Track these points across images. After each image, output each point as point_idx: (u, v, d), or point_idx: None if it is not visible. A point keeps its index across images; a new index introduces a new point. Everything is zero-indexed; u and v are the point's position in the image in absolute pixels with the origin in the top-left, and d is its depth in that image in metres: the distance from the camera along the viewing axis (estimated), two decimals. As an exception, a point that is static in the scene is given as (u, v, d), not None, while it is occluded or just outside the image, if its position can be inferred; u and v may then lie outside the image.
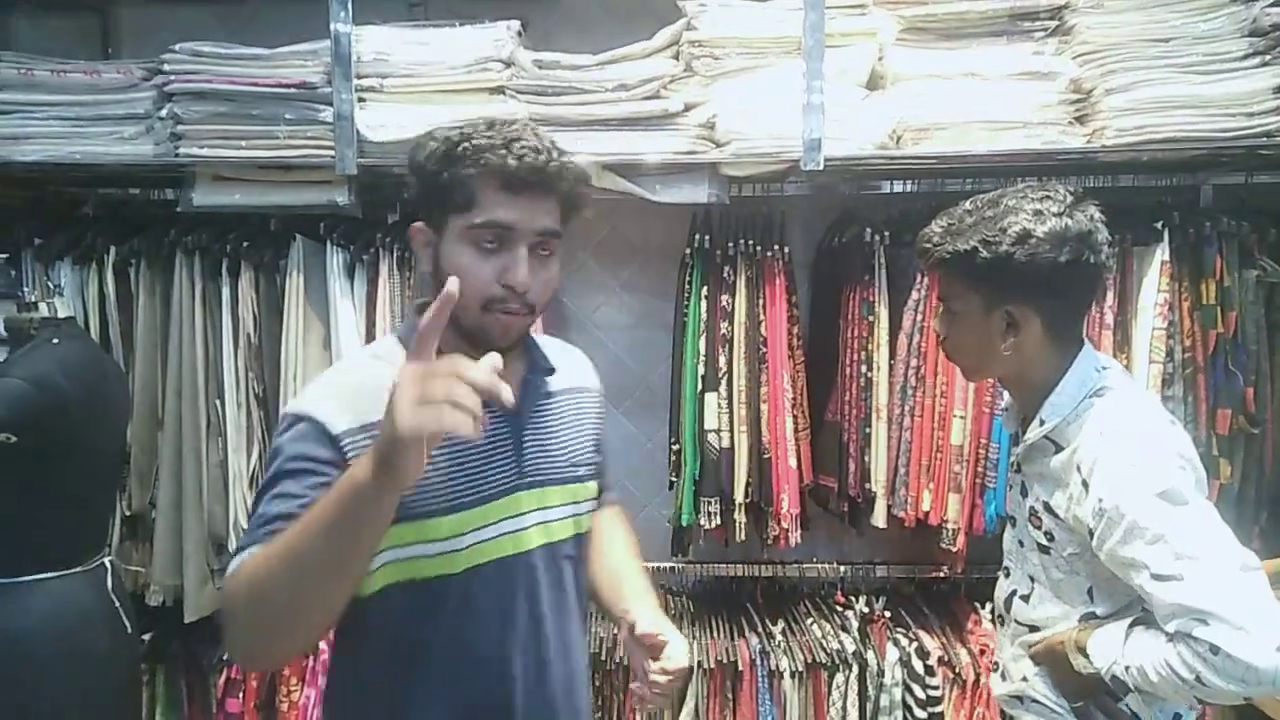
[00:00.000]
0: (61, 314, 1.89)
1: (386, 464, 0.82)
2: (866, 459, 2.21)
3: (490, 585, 1.11)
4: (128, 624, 1.87)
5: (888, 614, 2.34)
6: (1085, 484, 1.21)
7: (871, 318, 2.17)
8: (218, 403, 2.13)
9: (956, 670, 2.17)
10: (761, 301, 2.18)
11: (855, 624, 2.31)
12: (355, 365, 1.19)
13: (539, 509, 1.16)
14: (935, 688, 2.15)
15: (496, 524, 1.11)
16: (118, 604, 1.85)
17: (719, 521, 2.23)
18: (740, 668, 2.23)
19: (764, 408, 2.18)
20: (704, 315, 2.20)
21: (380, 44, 2.00)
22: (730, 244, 2.18)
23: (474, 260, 1.07)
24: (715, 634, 2.32)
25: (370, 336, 2.09)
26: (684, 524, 2.25)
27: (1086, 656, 1.23)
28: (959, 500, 2.13)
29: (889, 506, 2.21)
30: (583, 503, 1.22)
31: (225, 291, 2.12)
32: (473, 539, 1.09)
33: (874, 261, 2.16)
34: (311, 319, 2.13)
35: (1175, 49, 1.91)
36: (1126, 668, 1.18)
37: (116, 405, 1.94)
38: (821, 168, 1.95)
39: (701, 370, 2.19)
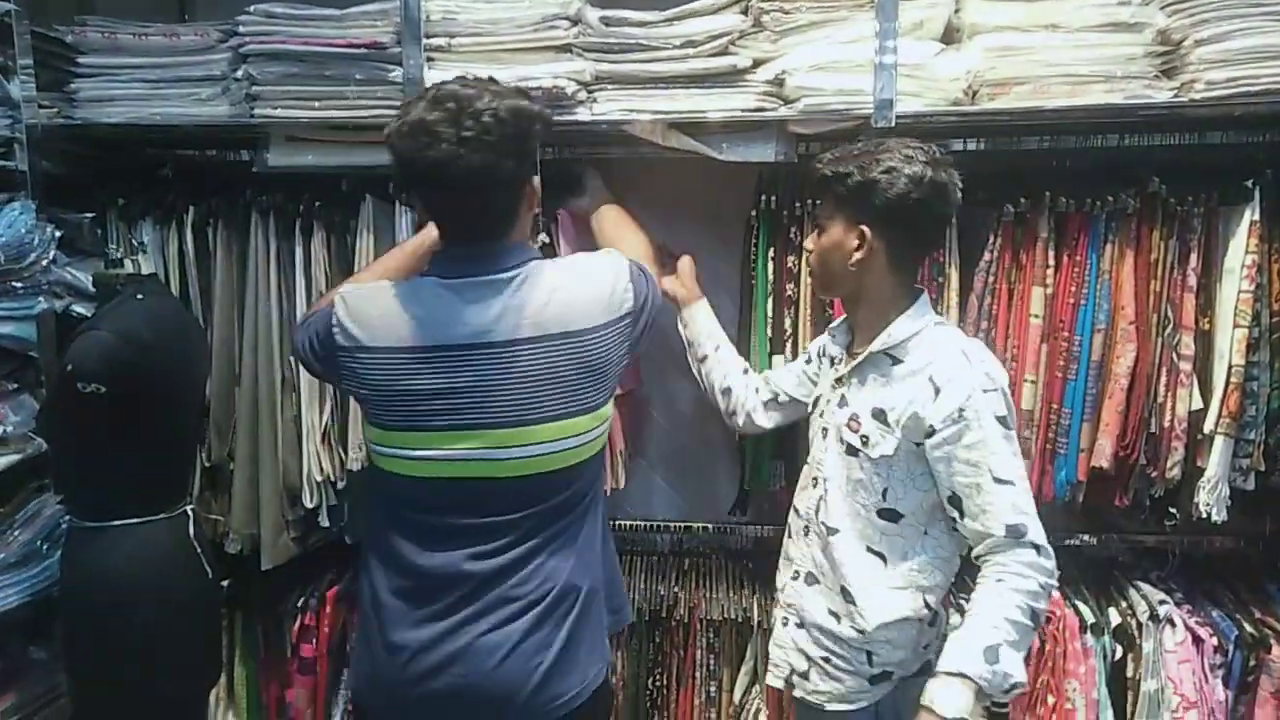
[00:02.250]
0: (145, 271, 1.96)
1: None
2: (933, 423, 2.18)
3: None
4: (208, 569, 1.95)
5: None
6: (937, 390, 1.46)
7: (941, 279, 2.12)
8: (292, 360, 2.18)
9: (1022, 637, 2.14)
10: (828, 262, 2.15)
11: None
12: None
13: None
14: (999, 654, 2.12)
15: None
16: (199, 550, 1.93)
17: (784, 483, 2.23)
18: (801, 629, 2.23)
19: (829, 370, 2.16)
20: (770, 277, 2.18)
21: (448, 3, 2.00)
22: (797, 204, 2.15)
23: None
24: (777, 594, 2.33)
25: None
26: (750, 486, 2.26)
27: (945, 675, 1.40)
28: (1028, 466, 2.08)
29: (955, 471, 2.18)
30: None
31: (299, 251, 2.16)
32: None
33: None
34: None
35: (1274, -4, 1.81)
36: (987, 632, 1.39)
37: (197, 359, 2.01)
38: (893, 125, 1.90)
39: (769, 333, 2.17)
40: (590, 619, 1.49)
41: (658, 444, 2.62)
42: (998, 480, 1.44)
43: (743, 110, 1.97)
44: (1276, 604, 2.21)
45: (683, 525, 2.52)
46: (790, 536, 1.75)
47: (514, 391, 1.37)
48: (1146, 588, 2.25)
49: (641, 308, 1.49)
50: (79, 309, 2.08)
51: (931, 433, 1.46)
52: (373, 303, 1.43)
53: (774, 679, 1.72)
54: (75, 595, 1.85)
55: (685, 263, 2.07)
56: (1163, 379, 2.05)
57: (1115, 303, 2.05)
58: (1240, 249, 1.98)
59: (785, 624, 1.70)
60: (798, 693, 1.66)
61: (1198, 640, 2.12)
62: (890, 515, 1.54)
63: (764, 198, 2.17)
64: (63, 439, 1.86)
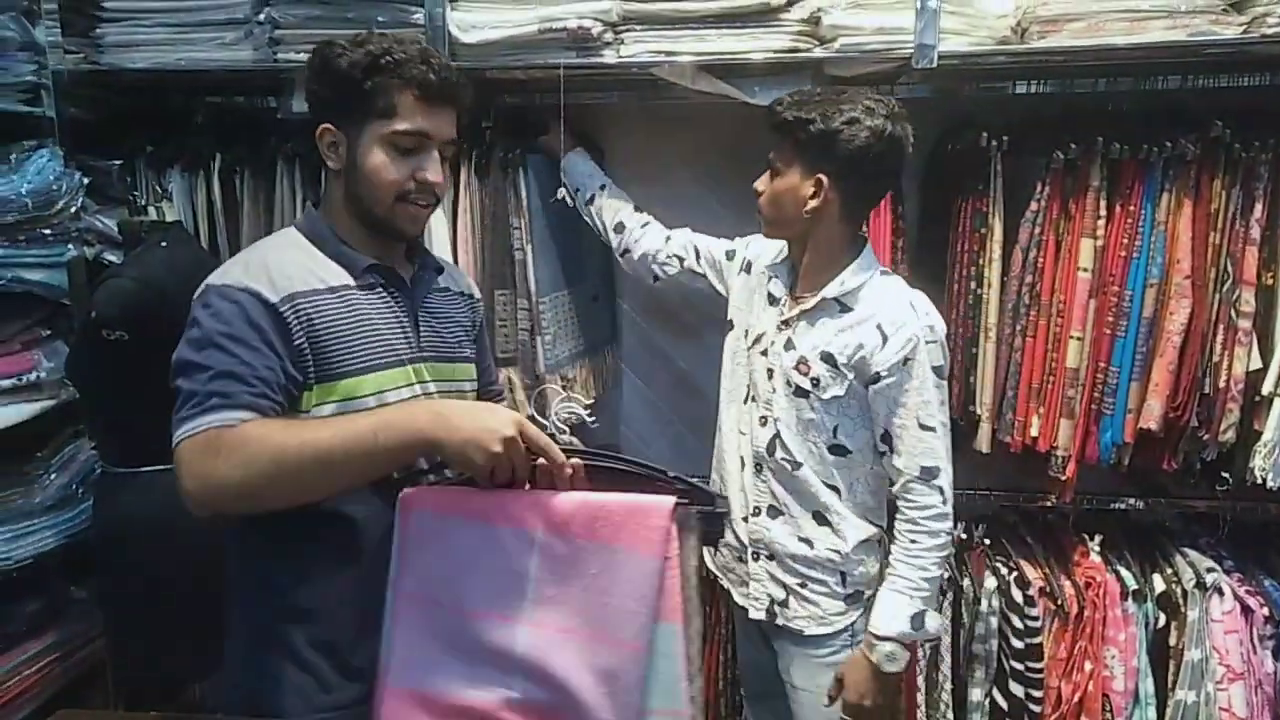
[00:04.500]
0: (169, 218, 1.95)
1: (439, 448, 1.13)
2: (972, 380, 2.10)
3: None
4: (237, 517, 1.97)
5: (987, 541, 2.26)
6: (885, 338, 1.55)
7: (984, 230, 2.03)
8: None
9: (1059, 602, 2.08)
10: (865, 212, 2.06)
11: (952, 550, 2.23)
12: (266, 246, 1.35)
13: (433, 380, 1.36)
14: (1035, 618, 2.06)
15: (398, 389, 1.29)
16: (224, 498, 1.94)
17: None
18: (830, 588, 2.19)
19: (863, 324, 2.09)
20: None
21: (472, -59, 1.93)
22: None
23: (391, 160, 1.27)
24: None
25: (457, 244, 2.10)
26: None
27: (879, 639, 1.59)
28: (1071, 426, 2.01)
29: (994, 431, 2.10)
30: (465, 381, 1.46)
31: (324, 199, 2.14)
32: (379, 400, 1.26)
33: (990, 169, 2.01)
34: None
35: (1359, -80, 1.66)
36: (912, 598, 1.57)
37: (222, 308, 2.01)
38: (935, 66, 1.80)
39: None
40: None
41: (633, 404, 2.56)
42: (923, 426, 1.55)
43: (776, 51, 1.88)
44: (1334, 574, 2.11)
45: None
46: (729, 473, 1.78)
47: None
48: (1194, 554, 2.16)
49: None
50: (110, 256, 2.08)
51: (877, 378, 1.56)
52: None
53: (755, 613, 1.76)
54: (107, 540, 1.88)
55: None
56: (1219, 337, 1.95)
57: (1170, 256, 1.94)
58: (1310, 199, 1.85)
59: (756, 558, 1.75)
60: (779, 621, 1.73)
61: (1247, 610, 2.03)
62: (840, 450, 1.64)
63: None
64: (91, 385, 1.87)
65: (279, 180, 2.14)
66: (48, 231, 1.94)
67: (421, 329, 1.37)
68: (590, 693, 1.12)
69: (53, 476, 2.03)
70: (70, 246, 2.00)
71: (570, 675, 1.13)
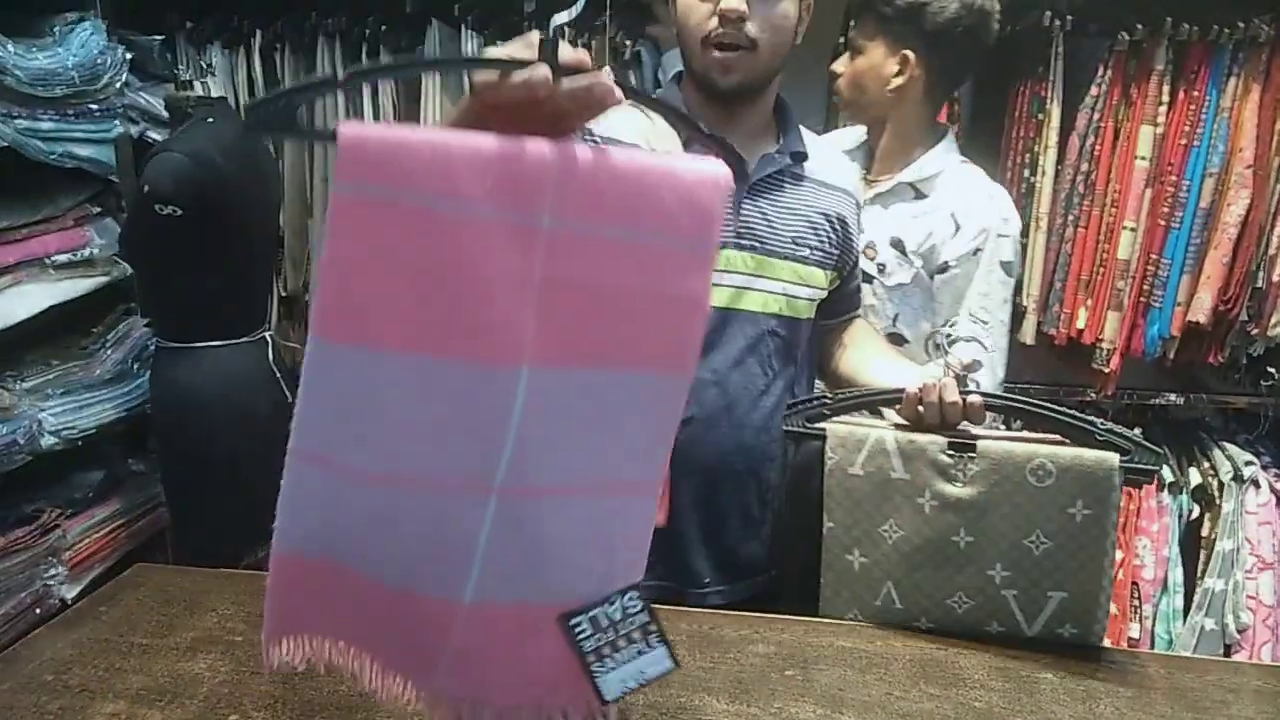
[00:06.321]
0: (215, 94, 1.94)
1: None
2: (1020, 271, 2.07)
3: None
4: (288, 393, 2.02)
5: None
6: (958, 227, 1.47)
7: (1041, 115, 1.98)
8: (363, 191, 2.17)
9: (1094, 493, 2.10)
10: (918, 96, 2.01)
11: None
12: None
13: (755, 274, 1.17)
14: (1069, 508, 2.09)
15: None
16: (278, 374, 1.99)
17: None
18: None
19: (911, 212, 2.06)
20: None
21: None
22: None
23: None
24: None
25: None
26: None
27: None
28: (1118, 319, 2.00)
29: (1039, 323, 2.09)
30: (800, 285, 1.21)
31: (366, 78, 2.11)
32: None
33: (1051, 51, 1.94)
34: (448, 107, 2.12)
35: None
36: None
37: (269, 186, 2.02)
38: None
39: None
40: None
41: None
42: (973, 318, 1.50)
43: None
44: (1372, 471, 2.11)
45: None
46: None
47: None
48: (1233, 449, 2.16)
49: None
50: (154, 134, 2.08)
51: (945, 268, 1.49)
52: None
53: None
54: (164, 412, 1.94)
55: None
56: (1277, 229, 1.91)
57: (1232, 144, 1.89)
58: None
59: None
60: None
61: (1282, 503, 2.05)
62: (898, 339, 1.57)
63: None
64: (144, 261, 1.90)
65: (320, 57, 2.12)
66: (95, 106, 1.94)
67: (745, 213, 1.16)
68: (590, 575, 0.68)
69: (109, 351, 2.08)
70: (117, 122, 1.99)
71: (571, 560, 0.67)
